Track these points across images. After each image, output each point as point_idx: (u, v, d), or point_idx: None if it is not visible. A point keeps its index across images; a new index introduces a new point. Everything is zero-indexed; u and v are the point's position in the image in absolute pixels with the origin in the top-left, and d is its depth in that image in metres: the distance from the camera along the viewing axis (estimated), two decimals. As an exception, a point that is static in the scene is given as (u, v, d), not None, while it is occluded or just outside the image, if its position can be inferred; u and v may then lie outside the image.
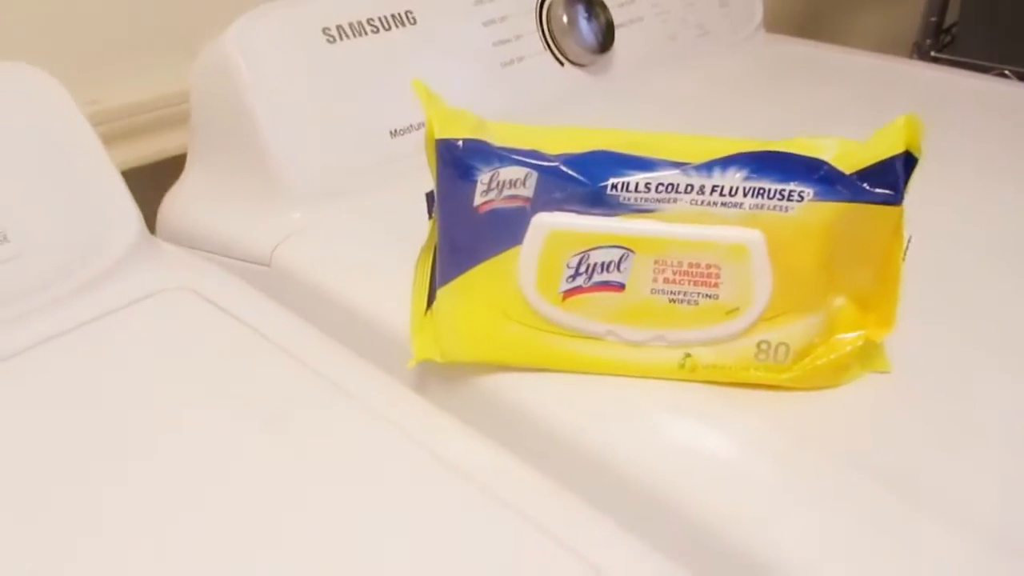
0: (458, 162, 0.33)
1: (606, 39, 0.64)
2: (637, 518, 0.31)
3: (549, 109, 0.58)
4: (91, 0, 0.57)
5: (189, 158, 0.53)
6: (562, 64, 0.63)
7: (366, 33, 0.52)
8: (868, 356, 0.35)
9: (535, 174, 0.33)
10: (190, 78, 0.50)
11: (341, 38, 0.51)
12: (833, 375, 0.35)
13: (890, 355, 0.36)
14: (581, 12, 0.63)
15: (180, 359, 0.38)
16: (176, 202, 0.52)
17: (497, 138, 0.33)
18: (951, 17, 0.93)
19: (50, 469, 0.31)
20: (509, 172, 0.33)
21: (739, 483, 0.32)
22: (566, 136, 0.34)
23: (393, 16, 0.54)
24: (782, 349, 0.34)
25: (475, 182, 0.33)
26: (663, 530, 0.31)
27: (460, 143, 0.33)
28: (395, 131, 0.52)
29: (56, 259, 0.40)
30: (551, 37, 0.62)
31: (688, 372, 0.35)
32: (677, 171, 0.32)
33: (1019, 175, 0.55)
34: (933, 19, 0.92)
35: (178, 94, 0.61)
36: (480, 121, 0.34)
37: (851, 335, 0.34)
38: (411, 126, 0.53)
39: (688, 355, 0.35)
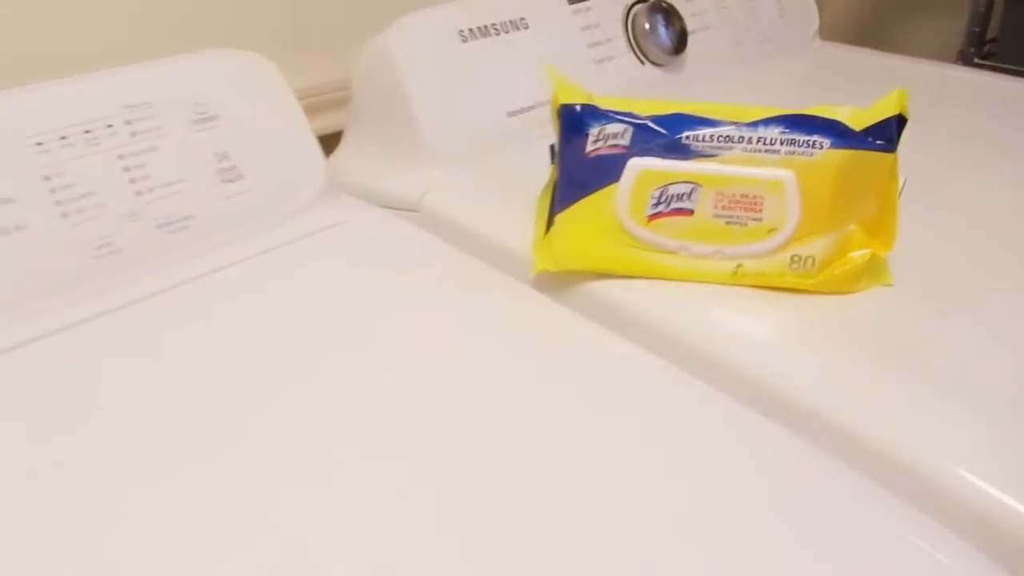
0: (575, 120, 0.46)
1: (680, 43, 0.77)
2: (701, 373, 0.44)
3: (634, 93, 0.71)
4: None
5: (348, 130, 0.68)
6: (643, 63, 0.76)
7: (490, 35, 0.67)
8: (875, 270, 0.48)
9: (631, 129, 0.46)
10: (355, 67, 0.65)
11: (472, 38, 0.65)
12: (848, 283, 0.47)
13: (894, 274, 0.48)
14: (660, 20, 0.76)
15: (368, 267, 0.52)
16: (339, 164, 0.67)
17: (602, 104, 0.47)
18: (992, 31, 1.03)
19: (290, 349, 0.46)
20: (612, 128, 0.46)
21: (777, 350, 0.44)
22: (653, 104, 0.47)
23: (511, 22, 0.68)
24: (809, 261, 0.47)
25: (587, 135, 0.46)
26: (722, 381, 0.44)
27: (577, 107, 0.46)
28: (511, 112, 0.66)
29: (272, 194, 0.55)
30: (635, 41, 0.76)
31: (739, 278, 0.48)
32: (732, 127, 0.45)
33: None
34: (976, 30, 1.02)
35: (327, 84, 0.76)
36: (590, 94, 0.48)
37: (861, 252, 0.47)
38: (523, 108, 0.67)
39: (739, 265, 0.47)
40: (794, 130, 0.44)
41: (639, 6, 0.76)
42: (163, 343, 0.45)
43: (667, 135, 0.46)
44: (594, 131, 0.46)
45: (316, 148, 0.58)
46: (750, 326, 0.46)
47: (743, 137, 0.45)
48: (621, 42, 0.75)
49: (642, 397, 0.41)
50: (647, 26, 0.75)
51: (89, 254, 0.49)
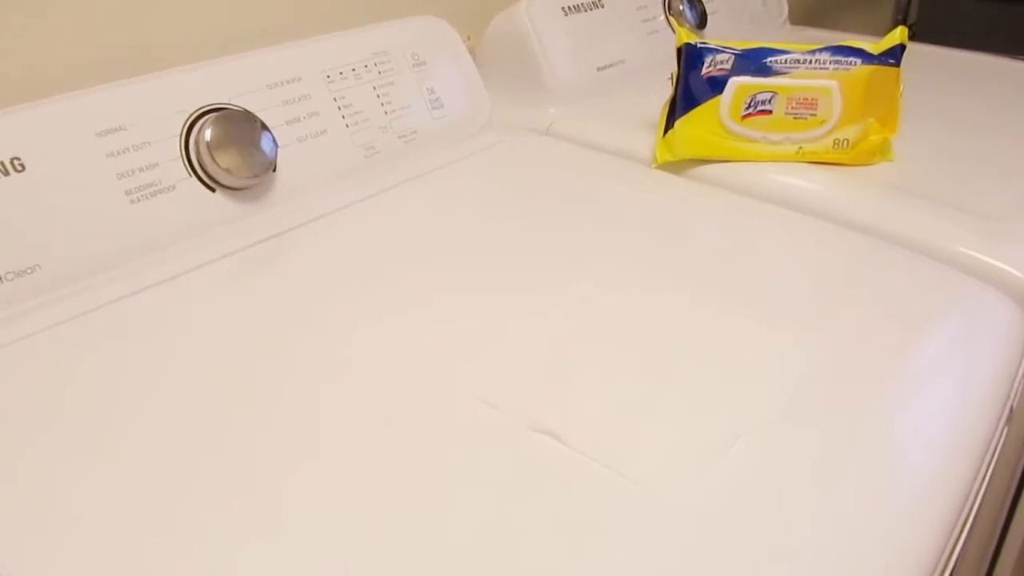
0: (695, 53, 0.71)
1: (702, 21, 1.03)
2: (779, 212, 0.68)
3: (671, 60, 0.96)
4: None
5: (476, 84, 0.90)
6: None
7: (581, 11, 0.90)
8: (884, 149, 0.73)
9: (732, 57, 0.70)
10: (490, 31, 0.87)
11: (570, 13, 0.89)
12: (868, 157, 0.73)
13: (895, 151, 0.74)
14: (687, 5, 1.02)
15: (541, 160, 0.75)
16: (474, 108, 0.89)
17: (711, 42, 0.71)
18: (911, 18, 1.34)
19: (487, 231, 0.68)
20: (720, 56, 0.70)
21: (819, 189, 0.69)
22: (744, 43, 0.71)
23: (593, 3, 0.92)
24: (845, 142, 0.72)
25: (703, 62, 0.70)
26: (792, 207, 0.68)
27: (697, 44, 0.71)
28: (599, 67, 0.90)
29: (462, 119, 0.77)
30: (672, 18, 1.00)
31: (800, 156, 0.72)
32: (799, 54, 0.70)
33: (966, 85, 0.94)
34: (900, 18, 1.32)
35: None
36: (700, 36, 0.72)
37: (876, 136, 0.72)
38: (607, 65, 0.91)
39: (800, 147, 0.72)
40: (837, 54, 0.70)
41: (673, -7, 1.01)
42: (417, 213, 0.67)
43: (756, 61, 0.70)
44: (708, 59, 0.70)
45: (483, 89, 0.80)
46: (808, 182, 0.71)
47: (805, 60, 0.70)
48: (662, 19, 1.00)
49: (745, 216, 0.65)
50: (680, 7, 1.00)
51: (362, 154, 0.70)
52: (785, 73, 0.70)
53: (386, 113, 0.72)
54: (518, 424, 0.43)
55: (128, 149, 0.57)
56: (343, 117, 0.69)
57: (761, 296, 0.55)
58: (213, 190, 0.60)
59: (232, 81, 0.63)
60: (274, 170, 0.64)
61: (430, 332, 0.51)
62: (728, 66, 0.71)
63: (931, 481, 0.43)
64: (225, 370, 0.47)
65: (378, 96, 0.71)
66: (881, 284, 0.57)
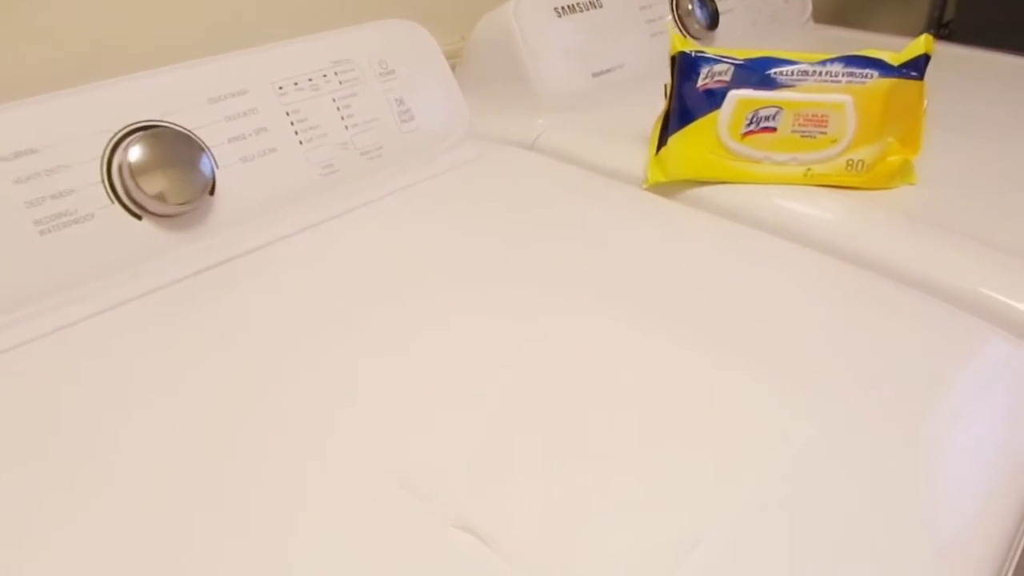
0: (690, 63, 0.63)
1: (713, 21, 0.95)
2: (782, 246, 0.60)
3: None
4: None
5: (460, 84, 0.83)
6: (685, 36, 0.93)
7: (576, 11, 0.83)
8: (905, 172, 0.65)
9: (732, 68, 0.62)
10: (475, 35, 0.80)
11: (564, 14, 0.81)
12: (886, 180, 0.64)
13: (918, 173, 0.66)
14: (697, 3, 0.94)
15: (524, 177, 0.67)
16: (458, 117, 0.82)
17: (709, 51, 0.63)
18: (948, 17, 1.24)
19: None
20: (718, 67, 0.63)
21: (828, 218, 0.61)
22: (745, 51, 0.64)
23: (590, 2, 0.84)
24: (860, 164, 0.64)
25: (699, 73, 0.63)
26: (797, 240, 0.60)
27: (692, 53, 0.63)
28: (595, 73, 0.83)
29: (432, 134, 0.70)
30: (679, 19, 0.92)
31: (809, 179, 0.64)
32: (807, 64, 0.62)
33: (995, 93, 0.85)
34: (936, 15, 1.22)
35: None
36: (698, 45, 0.64)
37: (896, 157, 0.64)
38: (604, 70, 0.83)
39: (809, 169, 0.64)
40: (851, 65, 0.61)
41: (681, -10, 0.93)
42: (374, 240, 0.60)
43: (759, 72, 0.62)
44: (705, 70, 0.63)
45: (461, 99, 0.73)
46: (816, 208, 0.63)
47: (814, 71, 0.62)
48: (669, 19, 0.92)
49: (742, 249, 0.58)
50: (690, 7, 0.92)
51: (318, 172, 0.63)
52: (791, 86, 0.62)
53: (347, 128, 0.65)
54: (438, 518, 0.36)
55: (40, 174, 0.51)
56: (296, 133, 0.62)
57: (753, 348, 0.47)
58: (139, 218, 0.54)
59: (167, 95, 0.57)
60: (211, 193, 0.57)
61: (363, 389, 0.44)
62: (727, 78, 0.63)
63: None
64: (134, 427, 0.41)
65: (338, 109, 0.65)
66: (890, 336, 0.49)
